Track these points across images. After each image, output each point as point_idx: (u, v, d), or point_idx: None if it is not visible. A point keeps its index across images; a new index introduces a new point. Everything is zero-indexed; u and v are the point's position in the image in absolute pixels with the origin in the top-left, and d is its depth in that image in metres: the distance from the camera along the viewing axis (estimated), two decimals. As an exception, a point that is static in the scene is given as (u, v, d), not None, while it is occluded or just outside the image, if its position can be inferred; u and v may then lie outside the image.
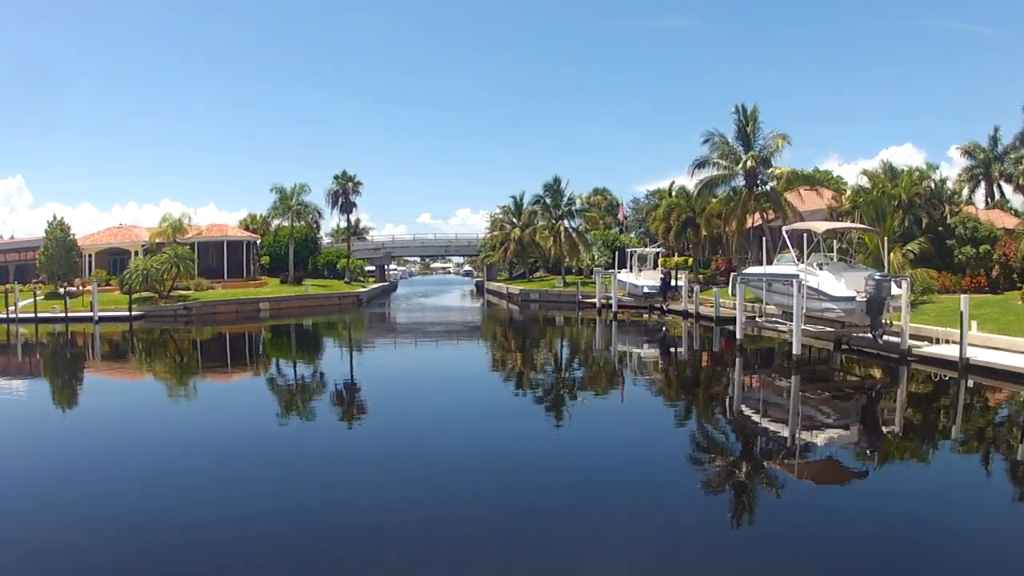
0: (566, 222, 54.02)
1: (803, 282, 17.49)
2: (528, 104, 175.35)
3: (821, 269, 19.72)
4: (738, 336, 20.47)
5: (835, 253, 21.33)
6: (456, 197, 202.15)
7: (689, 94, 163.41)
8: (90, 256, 54.52)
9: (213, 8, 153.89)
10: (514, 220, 62.86)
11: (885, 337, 18.16)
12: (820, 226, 20.35)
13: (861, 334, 19.54)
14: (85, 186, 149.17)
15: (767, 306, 21.56)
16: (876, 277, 17.88)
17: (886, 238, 24.17)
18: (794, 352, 17.72)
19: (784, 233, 20.41)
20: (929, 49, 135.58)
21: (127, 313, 37.08)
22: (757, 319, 20.67)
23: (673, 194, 60.44)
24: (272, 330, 37.33)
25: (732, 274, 21.44)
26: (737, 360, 20.42)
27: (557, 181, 54.46)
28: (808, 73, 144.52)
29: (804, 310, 17.62)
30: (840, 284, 18.53)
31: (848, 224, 23.29)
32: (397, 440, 12.04)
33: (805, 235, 19.48)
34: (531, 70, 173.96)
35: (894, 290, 18.03)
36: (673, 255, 47.91)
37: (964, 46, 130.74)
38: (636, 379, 19.94)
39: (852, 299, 18.07)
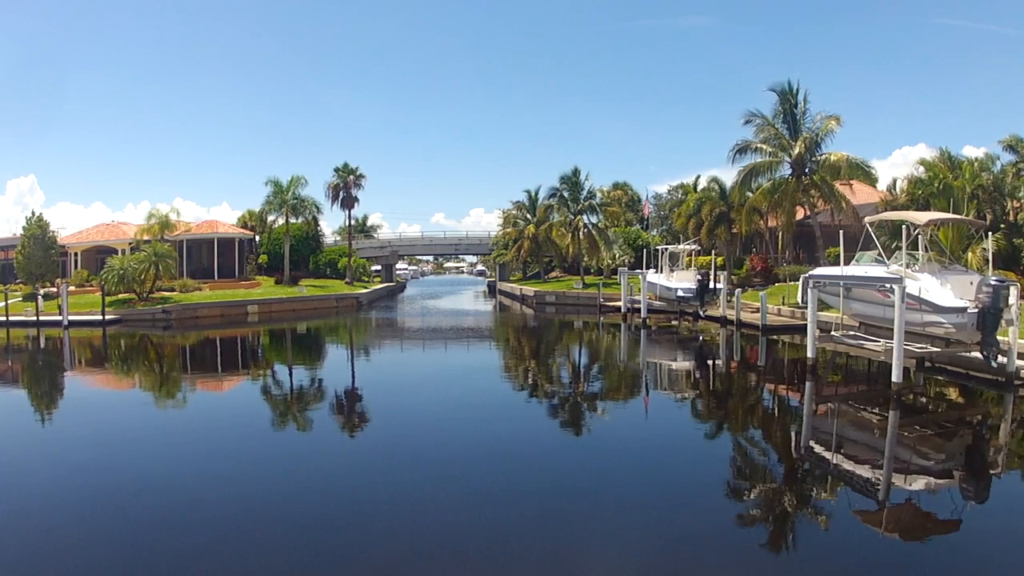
0: (585, 217, 49.82)
1: (905, 288, 13.51)
2: (543, 105, 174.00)
3: (909, 269, 15.78)
4: (810, 354, 16.53)
5: (920, 252, 17.27)
6: (469, 197, 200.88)
7: (705, 94, 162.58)
8: (76, 255, 51.81)
9: (230, 8, 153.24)
10: (528, 216, 58.86)
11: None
12: (919, 216, 16.24)
13: (963, 353, 15.67)
14: (98, 185, 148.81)
15: (843, 317, 17.44)
16: (992, 282, 14.02)
17: (954, 234, 20.52)
18: (894, 379, 13.84)
19: (867, 226, 16.40)
20: (940, 49, 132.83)
21: (100, 317, 33.94)
22: (834, 333, 16.60)
23: (698, 189, 56.84)
24: (250, 337, 33.79)
25: (803, 277, 17.44)
26: (808, 384, 16.56)
27: (576, 172, 50.30)
28: (822, 73, 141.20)
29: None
30: (946, 291, 14.56)
31: (953, 215, 19.20)
32: (393, 458, 11.25)
33: (904, 228, 15.46)
34: (545, 70, 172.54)
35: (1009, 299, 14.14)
36: (706, 253, 43.71)
37: (975, 45, 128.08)
38: (676, 400, 16.65)
39: (963, 310, 14.12)
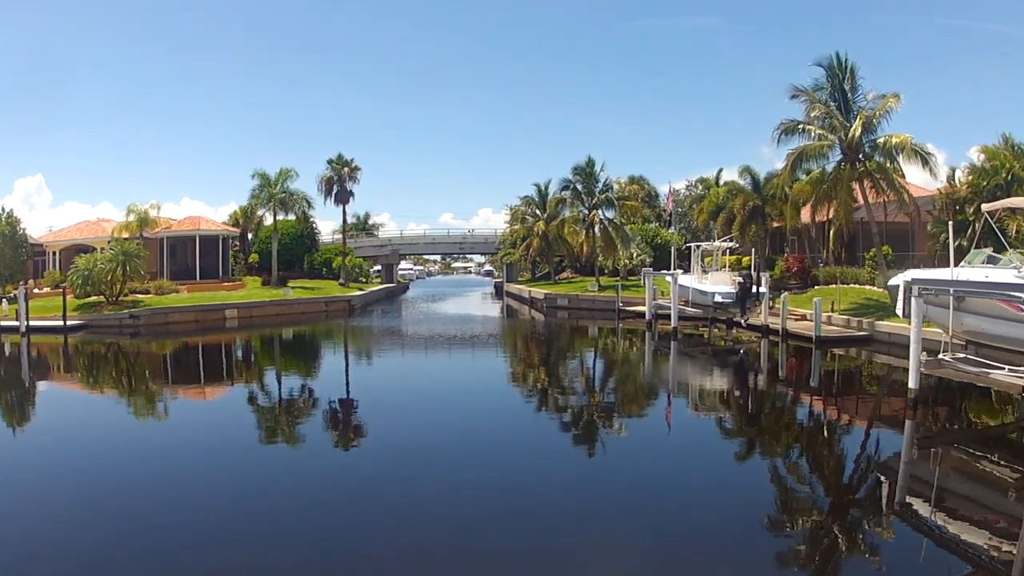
0: (601, 212, 45.86)
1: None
2: (546, 105, 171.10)
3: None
4: (912, 384, 12.68)
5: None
6: (477, 197, 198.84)
7: (710, 94, 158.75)
8: (55, 254, 48.67)
9: (237, 9, 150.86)
10: (538, 212, 54.99)
11: None
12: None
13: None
14: (105, 184, 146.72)
15: (952, 335, 13.46)
16: None
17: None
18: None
19: (986, 214, 12.57)
20: (943, 49, 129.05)
21: (61, 323, 30.73)
22: (943, 357, 12.70)
23: (720, 182, 53.14)
24: (222, 347, 30.25)
25: (903, 282, 13.60)
26: (908, 422, 12.78)
27: (591, 163, 46.10)
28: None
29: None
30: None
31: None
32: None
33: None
34: (548, 71, 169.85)
35: None
36: (732, 252, 39.75)
37: (979, 45, 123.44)
38: (728, 433, 13.50)
39: None
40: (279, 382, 20.81)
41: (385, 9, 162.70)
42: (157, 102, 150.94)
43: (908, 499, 9.33)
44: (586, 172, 45.73)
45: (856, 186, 26.65)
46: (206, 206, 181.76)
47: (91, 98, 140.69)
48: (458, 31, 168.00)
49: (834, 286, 32.40)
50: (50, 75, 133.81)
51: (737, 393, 17.70)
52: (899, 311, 13.93)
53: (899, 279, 14.53)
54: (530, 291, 51.02)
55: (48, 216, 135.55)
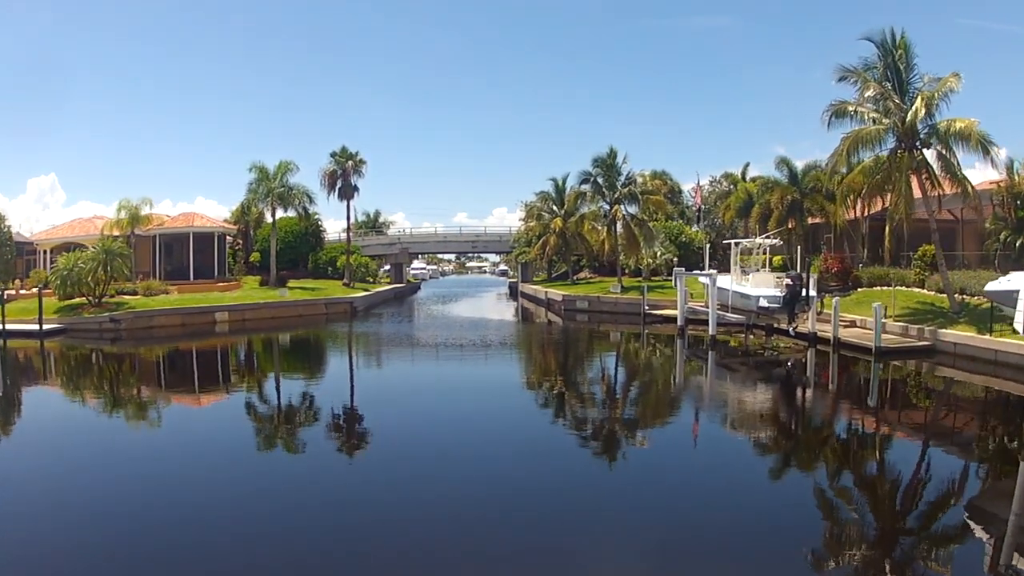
0: (623, 208, 43.33)
1: None
2: (559, 104, 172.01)
3: None
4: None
5: None
6: (492, 196, 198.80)
7: (721, 94, 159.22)
8: (46, 253, 47.28)
9: (250, 10, 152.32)
10: (554, 208, 52.50)
11: None
12: None
13: None
14: (119, 184, 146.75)
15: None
16: None
17: None
18: None
19: None
20: (949, 49, 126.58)
21: (37, 327, 29.16)
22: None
23: (747, 178, 50.78)
24: (200, 354, 28.56)
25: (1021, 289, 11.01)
26: (1023, 464, 10.38)
27: (612, 154, 43.33)
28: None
29: None
30: None
31: None
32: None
33: None
34: (560, 70, 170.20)
35: None
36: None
37: (984, 46, 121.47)
38: (796, 478, 10.86)
39: None
40: (278, 389, 19.54)
41: (395, 8, 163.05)
42: (168, 101, 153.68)
43: (1014, 558, 7.56)
44: (607, 164, 43.05)
45: (914, 177, 24.06)
46: (219, 205, 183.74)
47: (103, 97, 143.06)
48: (469, 29, 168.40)
49: (879, 288, 29.83)
50: (61, 74, 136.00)
51: (793, 415, 15.35)
52: (1019, 326, 11.40)
53: (1001, 284, 12.02)
54: (547, 292, 48.66)
55: (62, 215, 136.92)
